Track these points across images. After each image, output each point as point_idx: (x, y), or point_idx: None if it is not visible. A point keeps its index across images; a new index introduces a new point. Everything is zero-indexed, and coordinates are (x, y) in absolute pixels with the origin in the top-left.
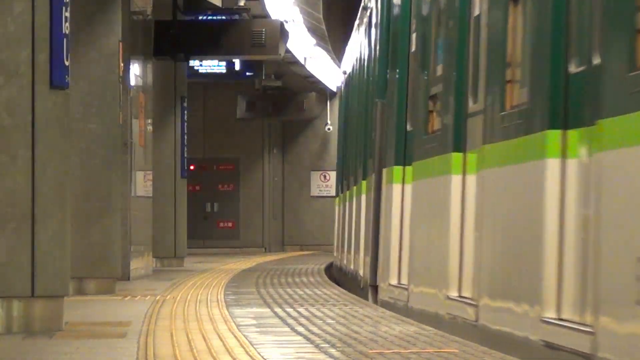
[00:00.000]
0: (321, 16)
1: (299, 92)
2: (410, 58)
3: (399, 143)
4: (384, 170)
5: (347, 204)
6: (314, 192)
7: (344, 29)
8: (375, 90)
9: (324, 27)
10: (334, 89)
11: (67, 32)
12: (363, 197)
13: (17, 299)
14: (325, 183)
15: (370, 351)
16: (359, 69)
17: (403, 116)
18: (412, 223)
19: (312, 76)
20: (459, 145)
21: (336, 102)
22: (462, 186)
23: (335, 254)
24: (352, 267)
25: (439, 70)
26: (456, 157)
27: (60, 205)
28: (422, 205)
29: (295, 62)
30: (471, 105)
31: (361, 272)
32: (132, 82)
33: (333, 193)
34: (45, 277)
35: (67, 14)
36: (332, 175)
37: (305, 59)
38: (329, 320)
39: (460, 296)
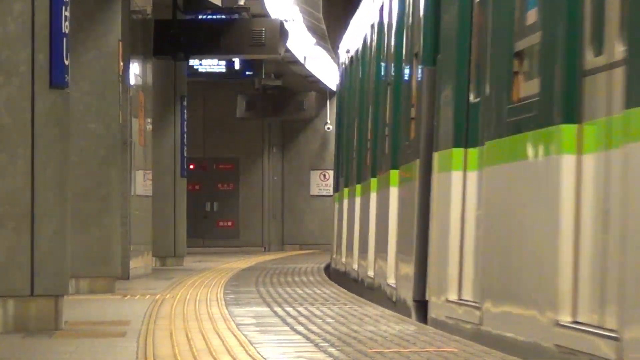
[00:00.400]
0: (321, 15)
1: (298, 92)
2: (476, 9)
3: (459, 119)
4: (436, 155)
5: (356, 200)
6: (314, 191)
7: (344, 28)
8: (415, 55)
9: (323, 26)
10: (334, 88)
11: (67, 31)
12: (393, 190)
13: (17, 298)
14: (325, 182)
15: (370, 350)
16: (378, 38)
17: (464, 84)
18: (484, 221)
19: (312, 75)
20: (572, 114)
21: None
22: (576, 169)
23: (334, 256)
24: (370, 274)
25: (531, 18)
26: (567, 130)
27: (60, 205)
28: (505, 197)
29: (295, 61)
30: (591, 59)
31: (391, 282)
32: (132, 81)
33: (332, 192)
34: (44, 276)
35: (67, 14)
36: (332, 174)
37: (305, 58)
38: (329, 320)
39: (576, 322)
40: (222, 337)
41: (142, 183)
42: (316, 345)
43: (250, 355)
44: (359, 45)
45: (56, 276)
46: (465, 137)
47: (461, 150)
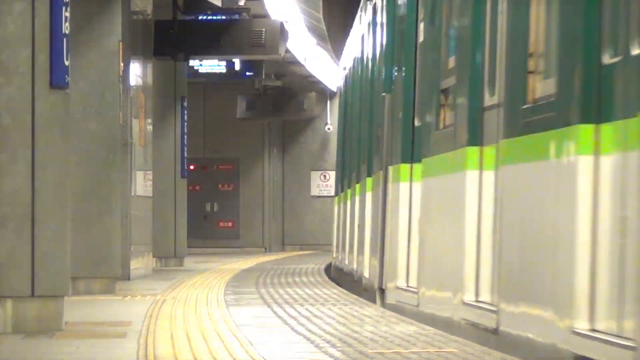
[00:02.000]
0: (321, 16)
1: (299, 92)
2: None
3: None
4: None
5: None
6: (314, 192)
7: (344, 29)
8: None
9: (323, 26)
10: (334, 89)
11: (67, 32)
12: None
13: (17, 299)
14: (325, 183)
15: (371, 351)
16: None
17: None
18: None
19: (312, 76)
20: None
21: (336, 101)
22: None
23: (361, 275)
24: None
25: None
26: None
27: (60, 205)
28: None
29: (295, 61)
30: None
31: None
32: (132, 82)
33: (333, 193)
34: (45, 277)
35: (67, 14)
36: (333, 175)
37: (305, 58)
38: (329, 320)
39: None
40: (223, 337)
41: (142, 183)
42: (317, 345)
43: (250, 356)
44: None
45: (56, 277)
46: None
47: None
